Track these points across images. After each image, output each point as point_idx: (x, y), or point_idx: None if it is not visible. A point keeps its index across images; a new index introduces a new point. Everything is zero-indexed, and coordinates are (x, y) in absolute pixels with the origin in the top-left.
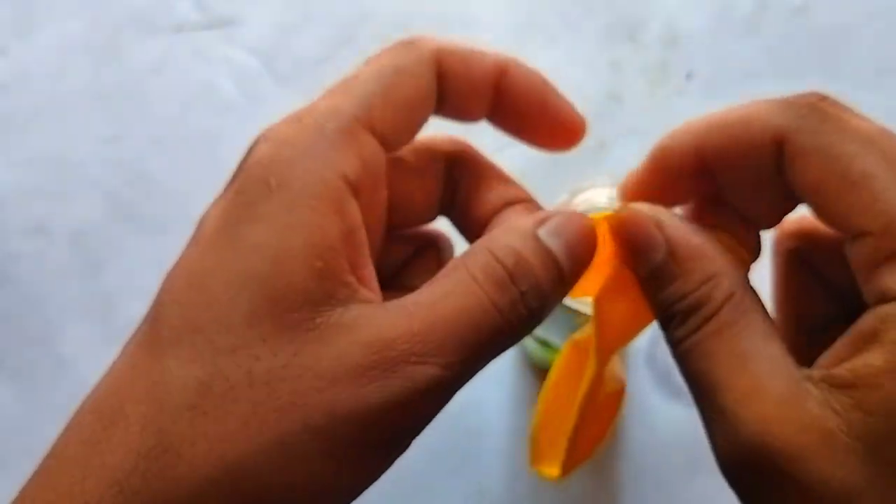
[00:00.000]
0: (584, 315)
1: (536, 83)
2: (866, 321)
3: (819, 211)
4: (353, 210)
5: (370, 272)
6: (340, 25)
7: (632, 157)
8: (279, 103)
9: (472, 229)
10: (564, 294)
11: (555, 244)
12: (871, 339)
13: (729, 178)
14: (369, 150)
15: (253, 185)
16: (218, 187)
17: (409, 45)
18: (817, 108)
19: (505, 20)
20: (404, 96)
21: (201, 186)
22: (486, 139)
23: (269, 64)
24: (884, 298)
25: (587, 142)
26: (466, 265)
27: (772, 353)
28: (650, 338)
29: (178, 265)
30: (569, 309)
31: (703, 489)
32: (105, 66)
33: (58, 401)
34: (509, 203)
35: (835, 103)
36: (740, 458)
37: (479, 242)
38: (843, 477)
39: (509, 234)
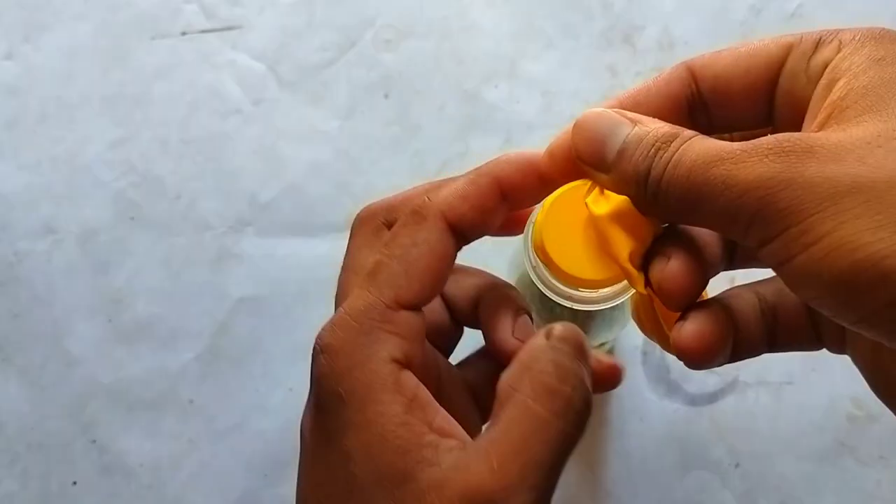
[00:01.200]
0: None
1: None
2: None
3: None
4: (409, 380)
5: (443, 415)
6: (343, 31)
7: None
8: (284, 107)
9: (457, 308)
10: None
11: (566, 349)
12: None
13: (722, 111)
14: (406, 325)
15: (328, 399)
16: (223, 189)
17: (417, 216)
18: (818, 38)
19: (505, 25)
20: (426, 266)
21: (207, 188)
22: (489, 139)
23: (273, 68)
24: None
25: None
26: (517, 391)
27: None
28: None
29: (300, 478)
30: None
31: (696, 484)
32: (112, 69)
33: (66, 398)
34: (482, 289)
35: (835, 36)
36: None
37: (518, 370)
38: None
39: (536, 352)
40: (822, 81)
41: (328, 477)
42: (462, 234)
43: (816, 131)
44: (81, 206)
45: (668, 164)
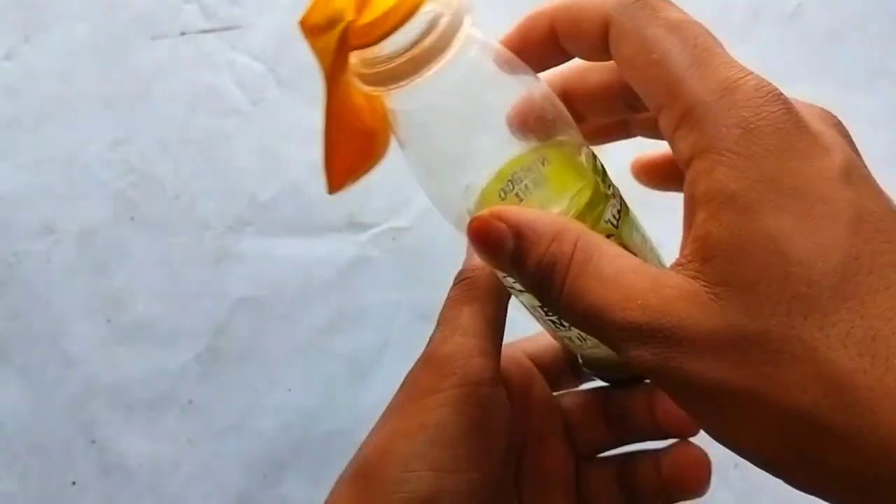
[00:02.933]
0: None
1: None
2: (685, 197)
3: (635, 88)
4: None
5: None
6: None
7: (629, 157)
8: (283, 107)
9: None
10: None
11: None
12: (692, 207)
13: (575, 53)
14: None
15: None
16: (222, 189)
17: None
18: None
19: (504, 25)
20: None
21: (207, 188)
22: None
23: (273, 69)
24: (683, 164)
25: None
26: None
27: (630, 264)
28: None
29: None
30: None
31: None
32: (112, 69)
33: (65, 398)
34: None
35: None
36: (640, 344)
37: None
38: (715, 320)
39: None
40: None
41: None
42: None
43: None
44: (81, 206)
45: (559, 298)
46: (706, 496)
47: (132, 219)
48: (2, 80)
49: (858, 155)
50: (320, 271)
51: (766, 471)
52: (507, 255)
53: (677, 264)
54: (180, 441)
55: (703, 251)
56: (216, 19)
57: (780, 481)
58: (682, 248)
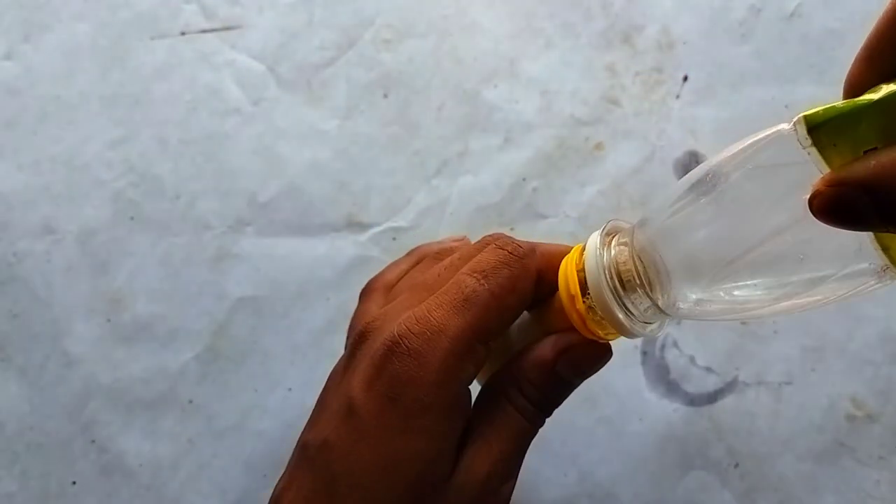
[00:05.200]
0: None
1: None
2: None
3: None
4: (469, 396)
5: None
6: (343, 31)
7: (628, 158)
8: (283, 107)
9: None
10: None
11: (567, 372)
12: None
13: None
14: (480, 356)
15: (409, 401)
16: (222, 188)
17: (519, 263)
18: None
19: (504, 25)
20: (514, 314)
21: (207, 188)
22: (489, 138)
23: (273, 68)
24: None
25: (585, 144)
26: (502, 395)
27: None
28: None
29: (348, 446)
30: None
31: (695, 484)
32: (112, 69)
33: (65, 398)
34: None
35: None
36: None
37: (509, 372)
38: None
39: (532, 365)
40: None
41: (384, 464)
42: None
43: None
44: (81, 206)
45: None
46: (706, 496)
47: (132, 219)
48: (2, 80)
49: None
50: (320, 271)
51: None
52: (872, 217)
53: None
54: (180, 441)
55: None
56: (216, 19)
57: (779, 482)
58: None
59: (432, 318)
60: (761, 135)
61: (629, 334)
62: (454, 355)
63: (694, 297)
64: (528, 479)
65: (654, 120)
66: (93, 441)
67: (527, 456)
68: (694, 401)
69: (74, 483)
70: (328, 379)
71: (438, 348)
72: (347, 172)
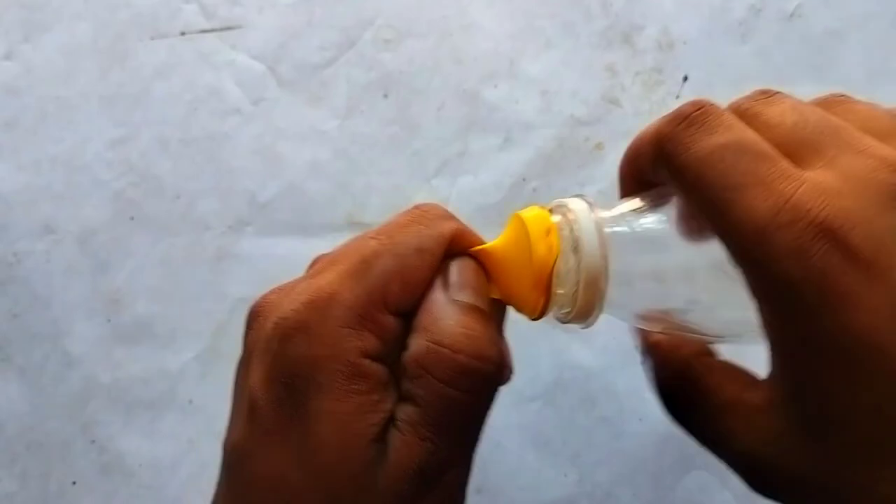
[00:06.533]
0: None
1: None
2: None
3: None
4: (378, 371)
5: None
6: (343, 31)
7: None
8: (283, 107)
9: None
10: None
11: (465, 296)
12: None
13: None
14: (387, 326)
15: (302, 382)
16: (222, 188)
17: (430, 222)
18: (686, 115)
19: (504, 25)
20: (421, 277)
21: (207, 188)
22: (489, 138)
23: (273, 68)
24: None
25: (585, 144)
26: (429, 373)
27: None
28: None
29: (250, 448)
30: None
31: (696, 484)
32: (112, 69)
33: (65, 398)
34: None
35: (701, 109)
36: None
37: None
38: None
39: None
40: None
41: (292, 460)
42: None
43: None
44: (81, 206)
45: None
46: (706, 496)
47: (132, 219)
48: (2, 80)
49: None
50: None
51: None
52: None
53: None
54: (180, 441)
55: (788, 394)
56: (216, 19)
57: None
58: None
59: (324, 287)
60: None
61: (585, 317)
62: (349, 325)
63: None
64: (529, 479)
65: (654, 119)
66: (93, 441)
67: (527, 456)
68: None
69: (74, 483)
70: (235, 372)
71: (330, 318)
72: (347, 172)
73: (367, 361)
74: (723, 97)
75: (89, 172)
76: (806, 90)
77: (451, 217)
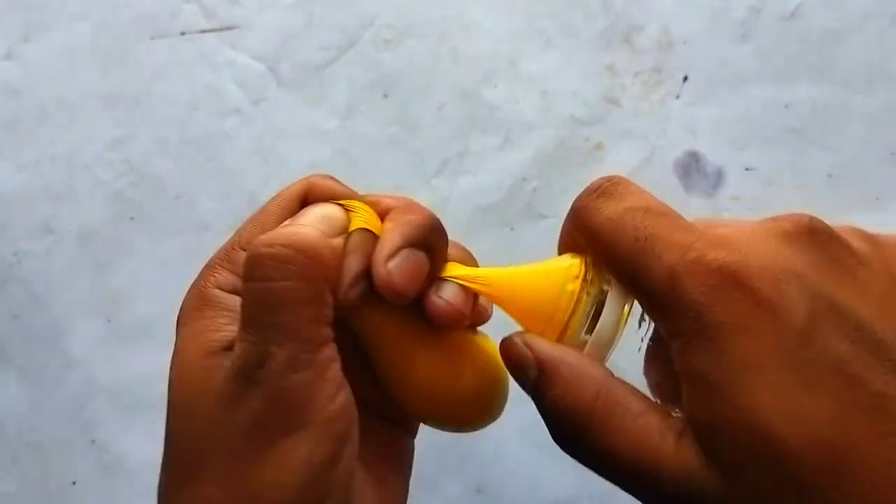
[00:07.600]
0: None
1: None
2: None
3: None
4: (228, 299)
5: None
6: (343, 31)
7: (628, 158)
8: (283, 107)
9: None
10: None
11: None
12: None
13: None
14: (238, 261)
15: (181, 314)
16: (222, 188)
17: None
18: (597, 187)
19: (504, 25)
20: (273, 219)
21: (206, 187)
22: (489, 138)
23: (273, 68)
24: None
25: (585, 144)
26: None
27: (649, 426)
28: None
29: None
30: None
31: None
32: (112, 69)
33: (65, 398)
34: None
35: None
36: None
37: None
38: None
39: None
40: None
41: (170, 371)
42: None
43: None
44: (81, 206)
45: (575, 441)
46: None
47: (132, 219)
48: (2, 80)
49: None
50: None
51: None
52: (530, 381)
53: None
54: None
55: (695, 430)
56: (216, 19)
57: None
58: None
59: (196, 282)
60: None
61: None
62: (210, 265)
63: None
64: (529, 479)
65: (654, 120)
66: (93, 441)
67: (527, 456)
68: None
69: (74, 483)
70: None
71: (206, 265)
72: (347, 172)
73: (215, 291)
74: (723, 97)
75: (89, 172)
76: (806, 90)
77: (331, 180)
